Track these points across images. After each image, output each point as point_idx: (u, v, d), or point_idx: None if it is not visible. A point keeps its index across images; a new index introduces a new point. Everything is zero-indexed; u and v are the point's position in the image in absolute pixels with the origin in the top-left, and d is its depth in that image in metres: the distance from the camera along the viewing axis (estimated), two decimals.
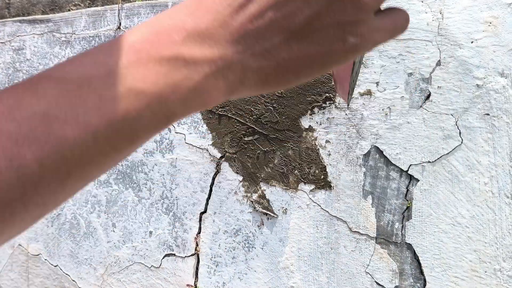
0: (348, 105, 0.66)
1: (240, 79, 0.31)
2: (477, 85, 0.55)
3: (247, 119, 0.64)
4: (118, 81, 0.26)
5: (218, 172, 0.66)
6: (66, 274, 0.79)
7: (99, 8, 0.78)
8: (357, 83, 0.62)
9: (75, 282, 0.78)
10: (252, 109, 0.64)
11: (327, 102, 0.61)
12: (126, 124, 0.28)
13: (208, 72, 0.29)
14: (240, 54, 0.30)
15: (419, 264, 0.57)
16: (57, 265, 0.80)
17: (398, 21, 0.43)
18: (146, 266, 0.72)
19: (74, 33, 0.79)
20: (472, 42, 0.55)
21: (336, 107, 0.61)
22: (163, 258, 0.71)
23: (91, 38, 0.78)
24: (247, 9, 0.30)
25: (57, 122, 0.26)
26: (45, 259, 0.80)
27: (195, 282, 0.69)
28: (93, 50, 0.29)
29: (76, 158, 0.27)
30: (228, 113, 0.66)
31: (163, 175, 0.69)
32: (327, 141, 0.60)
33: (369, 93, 0.59)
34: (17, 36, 0.84)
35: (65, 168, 0.27)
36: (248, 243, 0.64)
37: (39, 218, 0.28)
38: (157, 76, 0.28)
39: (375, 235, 0.58)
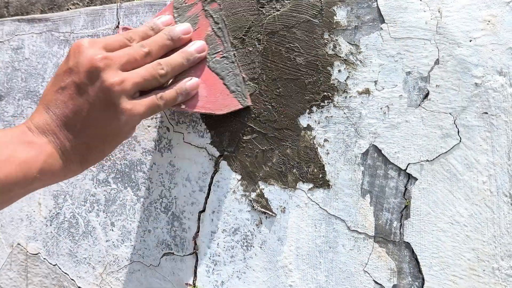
0: (245, 104, 0.69)
1: (68, 157, 0.54)
2: (476, 83, 0.55)
3: (246, 118, 0.64)
4: (1, 150, 0.49)
5: (217, 171, 0.66)
6: (65, 273, 0.79)
7: (97, 7, 0.78)
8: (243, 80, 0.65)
9: (74, 281, 0.78)
10: (251, 108, 0.64)
11: (326, 101, 0.61)
12: (6, 179, 0.49)
13: (50, 151, 0.52)
14: (60, 140, 0.53)
15: (418, 262, 0.57)
16: (56, 264, 0.80)
17: (153, 99, 0.58)
18: (145, 265, 0.72)
19: (73, 32, 0.79)
20: (470, 41, 0.55)
21: (334, 105, 0.61)
22: (161, 257, 0.71)
23: (89, 37, 0.77)
24: (56, 112, 0.53)
25: None
26: (44, 258, 0.80)
27: (193, 281, 0.69)
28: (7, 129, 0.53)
29: None
30: (227, 112, 0.66)
31: (162, 174, 0.69)
32: (325, 140, 0.60)
33: (367, 92, 0.59)
34: (16, 35, 0.84)
35: None
36: (246, 242, 0.64)
37: None
38: (23, 150, 0.50)
39: (373, 233, 0.58)
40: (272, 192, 0.64)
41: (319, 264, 0.62)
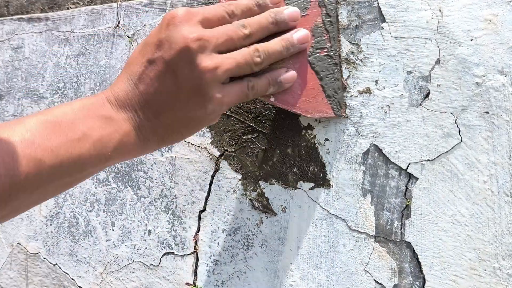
0: (341, 114, 0.61)
1: (145, 136, 0.50)
2: (477, 83, 0.55)
3: (246, 118, 0.64)
4: (76, 126, 0.45)
5: (217, 170, 0.66)
6: (65, 272, 0.79)
7: (98, 6, 0.78)
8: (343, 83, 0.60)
9: (74, 280, 0.78)
10: (251, 107, 0.64)
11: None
12: (79, 156, 0.45)
13: (127, 129, 0.48)
14: (140, 118, 0.49)
15: (418, 262, 0.57)
16: (56, 264, 0.80)
17: (243, 87, 0.54)
18: (145, 264, 0.72)
19: (73, 31, 0.79)
20: (471, 40, 0.55)
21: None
22: (162, 256, 0.71)
23: (90, 36, 0.77)
24: (141, 85, 0.48)
25: (39, 150, 0.42)
26: (44, 258, 0.80)
27: (194, 280, 0.69)
28: (68, 103, 0.48)
29: (49, 176, 0.43)
30: (227, 112, 0.66)
31: (162, 173, 0.69)
32: (326, 139, 0.60)
33: (368, 91, 0.59)
34: (16, 34, 0.84)
35: (37, 181, 0.43)
36: (247, 241, 0.64)
37: (23, 210, 0.46)
38: (99, 127, 0.46)
39: (374, 233, 0.58)
40: (273, 191, 0.64)
41: (319, 264, 0.61)
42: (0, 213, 0.42)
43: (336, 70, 0.58)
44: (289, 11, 0.54)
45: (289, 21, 0.54)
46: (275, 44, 0.54)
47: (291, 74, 0.56)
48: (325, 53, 0.57)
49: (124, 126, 0.48)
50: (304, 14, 0.57)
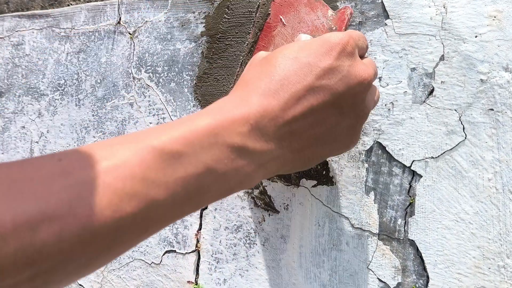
0: None
1: (277, 168, 0.41)
2: (481, 80, 0.54)
3: None
4: (197, 158, 0.35)
5: None
6: None
7: (98, 2, 0.77)
8: None
9: None
10: None
11: None
12: (197, 194, 0.35)
13: (260, 162, 0.39)
14: (283, 149, 0.40)
15: (422, 260, 0.56)
16: None
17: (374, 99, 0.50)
18: (146, 262, 0.72)
19: (74, 28, 0.78)
20: (476, 37, 0.54)
21: None
22: (163, 254, 0.70)
23: (90, 33, 0.77)
24: (292, 110, 0.39)
25: (152, 186, 0.32)
26: None
27: (195, 278, 0.68)
28: (182, 124, 0.36)
29: (158, 216, 0.34)
30: None
31: None
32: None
33: None
34: (16, 31, 0.84)
35: (146, 224, 0.33)
36: (249, 239, 0.64)
37: (119, 255, 0.35)
38: (227, 160, 0.36)
39: (377, 231, 0.58)
40: (275, 189, 0.63)
41: (322, 262, 0.61)
42: (104, 258, 0.32)
43: None
44: None
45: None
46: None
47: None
48: None
49: (258, 159, 0.38)
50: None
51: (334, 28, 0.52)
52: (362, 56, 0.47)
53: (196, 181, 0.35)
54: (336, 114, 0.42)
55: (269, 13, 0.56)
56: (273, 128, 0.38)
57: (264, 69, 0.40)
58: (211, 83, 0.68)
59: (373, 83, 0.52)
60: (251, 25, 0.64)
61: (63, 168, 0.31)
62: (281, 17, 0.55)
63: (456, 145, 0.55)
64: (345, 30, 0.52)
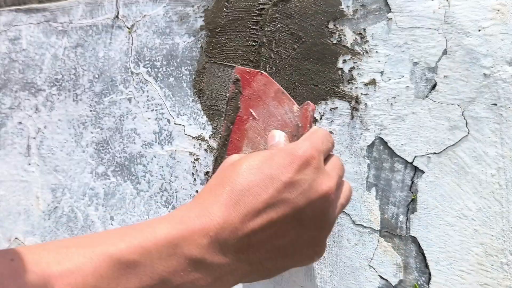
0: None
1: (235, 281, 0.40)
2: (485, 74, 0.53)
3: None
4: (153, 269, 0.34)
5: (219, 164, 0.65)
6: None
7: None
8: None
9: None
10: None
11: (330, 92, 0.59)
12: None
13: (218, 275, 0.38)
14: (240, 262, 0.40)
15: (424, 257, 0.55)
16: None
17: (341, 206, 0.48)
18: None
19: (71, 22, 0.77)
20: (479, 30, 0.54)
21: (339, 97, 0.59)
22: None
23: (88, 28, 0.76)
24: (251, 223, 0.39)
25: None
26: None
27: None
28: (142, 231, 0.36)
29: None
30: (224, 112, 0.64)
31: (162, 167, 0.68)
32: (330, 132, 0.59)
33: (373, 82, 0.57)
34: (13, 25, 0.83)
35: None
36: None
37: None
38: (183, 272, 0.36)
39: (379, 228, 0.57)
40: None
41: (323, 259, 0.60)
42: None
43: None
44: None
45: None
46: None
47: None
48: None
49: (215, 272, 0.38)
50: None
51: (300, 125, 0.52)
52: (327, 157, 0.47)
53: None
54: (296, 227, 0.41)
55: (239, 106, 0.56)
56: (232, 240, 0.38)
57: (229, 176, 0.41)
58: (210, 78, 0.67)
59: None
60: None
61: (14, 269, 0.31)
62: (251, 110, 0.55)
63: (459, 140, 0.55)
64: (310, 127, 0.51)
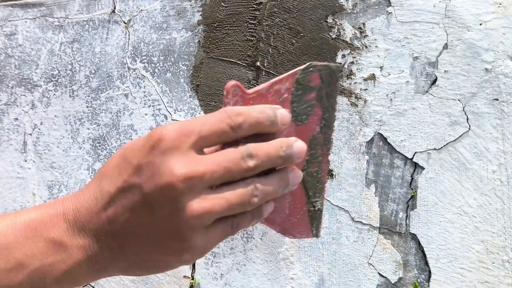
0: (318, 236, 0.56)
1: (102, 267, 0.39)
2: (486, 69, 0.52)
3: None
4: (11, 253, 0.35)
5: None
6: None
7: None
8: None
9: None
10: None
11: None
12: None
13: (79, 259, 0.38)
14: (104, 249, 0.39)
15: (424, 255, 0.55)
16: None
17: (227, 228, 0.43)
18: None
19: (68, 17, 0.76)
20: (480, 24, 0.53)
21: (338, 93, 0.58)
22: None
23: (84, 22, 0.75)
24: (106, 208, 0.38)
25: None
26: None
27: (192, 273, 0.67)
28: (6, 218, 0.37)
29: None
30: None
31: None
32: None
33: (372, 77, 0.57)
34: (9, 21, 0.82)
35: None
36: (246, 233, 0.62)
37: None
38: (42, 254, 0.36)
39: (378, 225, 0.56)
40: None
41: (321, 256, 0.60)
42: None
43: (322, 187, 0.56)
44: (298, 147, 0.49)
45: (296, 158, 0.49)
46: (274, 183, 0.45)
47: (271, 205, 0.51)
48: (316, 168, 0.55)
49: (76, 255, 0.39)
50: (306, 121, 0.53)
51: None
52: (205, 146, 0.43)
53: (6, 276, 0.36)
54: (149, 215, 0.39)
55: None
56: (90, 224, 0.39)
57: (107, 161, 0.41)
58: (208, 73, 0.66)
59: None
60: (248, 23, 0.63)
61: None
62: None
63: (460, 136, 0.54)
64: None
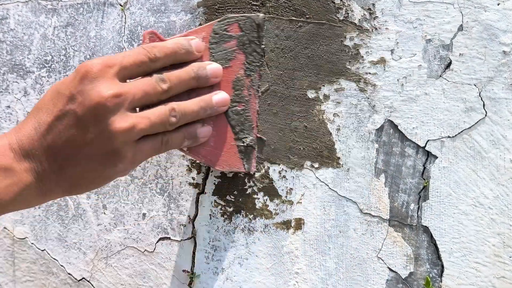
0: (249, 170, 0.61)
1: (48, 188, 0.47)
2: (504, 51, 0.49)
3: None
4: None
5: None
6: (54, 259, 0.74)
7: None
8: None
9: (64, 267, 0.73)
10: (255, 81, 0.59)
11: (336, 72, 0.55)
12: None
13: (28, 181, 0.46)
14: (47, 170, 0.46)
15: (437, 248, 0.52)
16: (44, 250, 0.75)
17: (156, 144, 0.50)
18: (139, 250, 0.67)
19: (61, 0, 0.73)
20: (498, 4, 0.50)
21: (345, 77, 0.55)
22: (157, 242, 0.66)
23: (79, 5, 0.72)
24: (46, 138, 0.45)
25: None
26: (32, 243, 0.75)
27: (192, 267, 0.64)
28: None
29: None
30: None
31: None
32: (335, 115, 0.55)
33: (382, 61, 0.54)
34: (0, 4, 0.78)
35: None
36: (249, 225, 0.59)
37: None
38: None
39: (388, 217, 0.53)
40: (277, 172, 0.59)
41: (328, 250, 0.57)
42: None
43: (251, 124, 0.57)
44: (212, 68, 0.53)
45: (211, 77, 0.53)
46: (193, 104, 0.52)
47: (207, 129, 0.55)
48: (242, 107, 0.56)
49: (25, 177, 0.46)
50: (227, 65, 0.55)
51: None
52: (135, 75, 0.50)
53: None
54: (83, 134, 0.46)
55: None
56: (34, 150, 0.46)
57: (42, 97, 0.48)
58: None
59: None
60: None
61: None
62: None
63: (475, 123, 0.51)
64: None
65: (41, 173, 0.46)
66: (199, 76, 0.52)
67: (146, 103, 0.49)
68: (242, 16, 0.56)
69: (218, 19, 0.55)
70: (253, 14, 0.56)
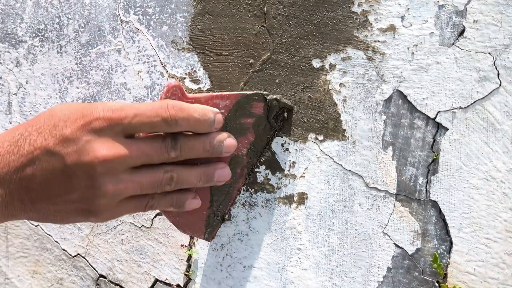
0: (208, 240, 0.58)
1: (13, 214, 0.44)
2: None
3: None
4: None
5: None
6: (48, 234, 0.72)
7: None
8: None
9: (58, 243, 0.71)
10: (260, 51, 0.57)
11: (343, 40, 0.53)
12: None
13: None
14: (14, 199, 0.42)
15: (445, 224, 0.50)
16: (38, 225, 0.73)
17: (140, 206, 0.47)
18: (135, 226, 0.65)
19: None
20: None
21: (353, 45, 0.53)
22: (154, 217, 0.64)
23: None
24: (25, 169, 0.42)
25: None
26: None
27: (189, 243, 0.62)
28: None
29: None
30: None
31: None
32: (342, 85, 0.53)
33: (392, 28, 0.51)
34: None
35: None
36: (250, 200, 0.57)
37: None
38: None
39: (395, 191, 0.51)
40: (280, 144, 0.57)
41: (332, 225, 0.55)
42: None
43: (228, 200, 0.56)
44: (228, 143, 0.49)
45: (224, 152, 0.49)
46: (194, 177, 0.48)
47: (196, 202, 0.51)
48: (229, 183, 0.54)
49: None
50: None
51: None
52: (132, 134, 0.45)
53: None
54: (64, 182, 0.42)
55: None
56: (6, 177, 0.42)
57: (34, 119, 0.44)
58: (207, 26, 0.60)
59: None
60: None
61: None
62: None
63: (489, 93, 0.48)
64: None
65: (7, 201, 0.42)
66: (214, 150, 0.49)
67: (145, 163, 0.45)
68: (273, 99, 0.53)
69: (247, 93, 0.52)
70: (287, 102, 0.55)
